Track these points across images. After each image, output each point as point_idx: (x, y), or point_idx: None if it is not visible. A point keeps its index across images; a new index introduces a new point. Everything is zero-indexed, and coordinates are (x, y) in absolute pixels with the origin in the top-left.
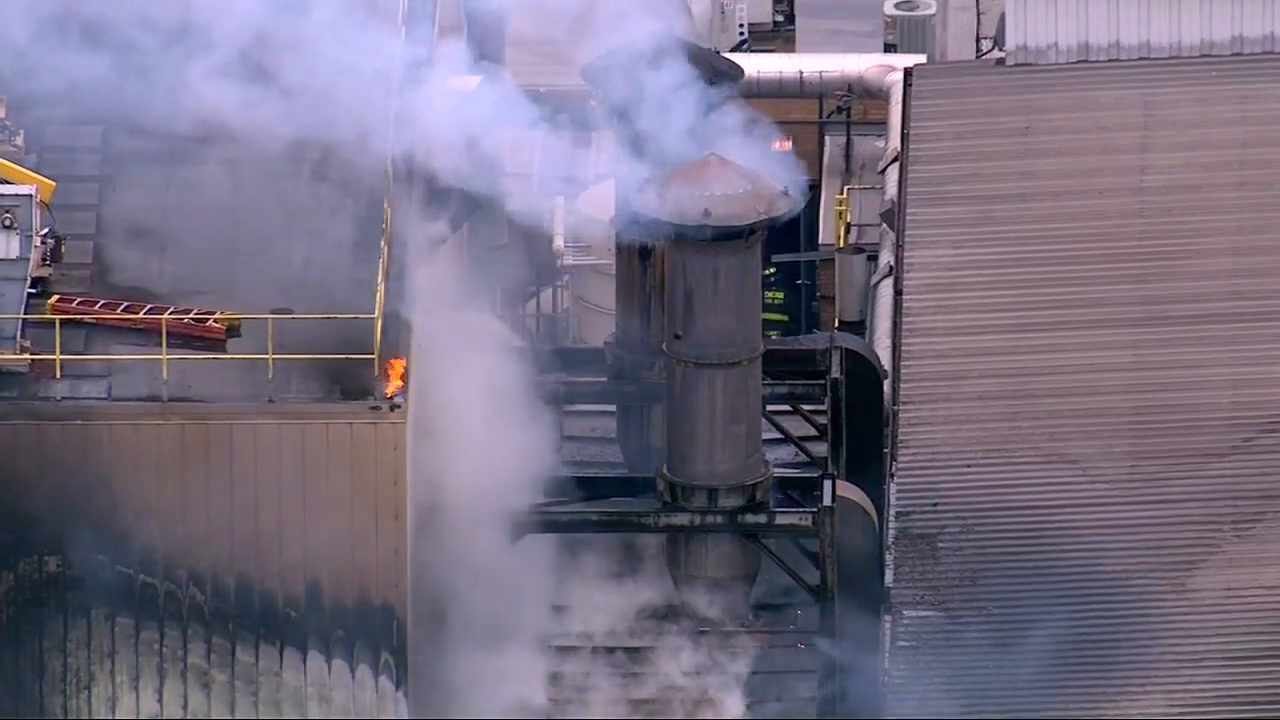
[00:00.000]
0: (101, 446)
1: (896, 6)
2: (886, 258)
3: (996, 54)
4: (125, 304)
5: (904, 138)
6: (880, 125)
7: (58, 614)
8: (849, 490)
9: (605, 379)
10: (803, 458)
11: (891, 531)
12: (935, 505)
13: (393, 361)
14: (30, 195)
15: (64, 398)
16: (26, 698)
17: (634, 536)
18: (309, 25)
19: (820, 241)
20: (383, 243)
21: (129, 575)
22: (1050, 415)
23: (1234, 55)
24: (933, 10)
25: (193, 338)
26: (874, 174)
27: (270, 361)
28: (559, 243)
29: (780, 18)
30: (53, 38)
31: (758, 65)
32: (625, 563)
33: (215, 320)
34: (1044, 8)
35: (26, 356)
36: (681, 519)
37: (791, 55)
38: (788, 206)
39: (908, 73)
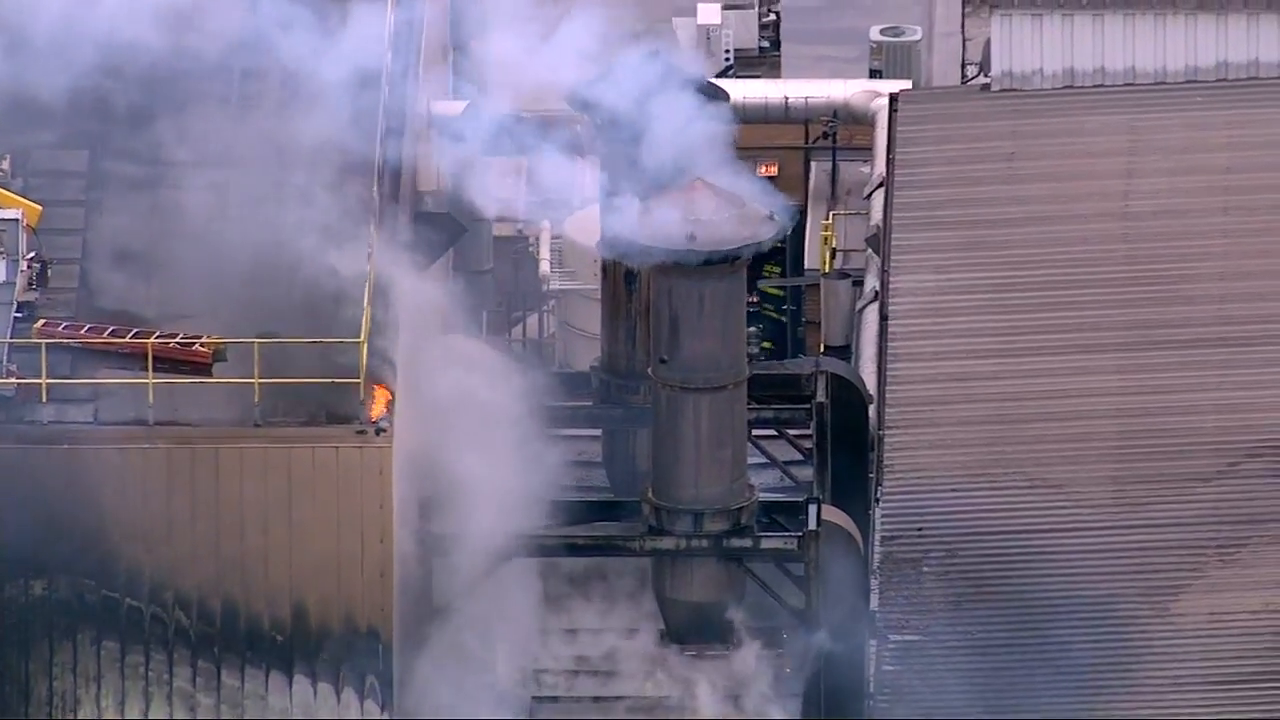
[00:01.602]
0: (88, 470)
1: (882, 32)
2: (872, 283)
3: (982, 80)
4: (111, 328)
5: (889, 163)
6: (866, 151)
7: (44, 637)
8: (834, 514)
9: (591, 403)
10: (788, 482)
11: (876, 555)
12: (920, 530)
13: (378, 387)
14: (16, 219)
15: (50, 421)
16: None
17: (620, 560)
18: (295, 47)
19: (806, 266)
20: (368, 266)
21: (115, 599)
22: (1036, 440)
23: (1219, 81)
24: (918, 36)
25: (179, 362)
26: (860, 199)
27: (256, 385)
28: (545, 267)
29: (766, 43)
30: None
31: (743, 90)
32: (610, 586)
33: (201, 344)
34: (1029, 34)
35: (13, 380)
36: (667, 543)
37: (777, 81)
38: (773, 231)
39: (893, 98)
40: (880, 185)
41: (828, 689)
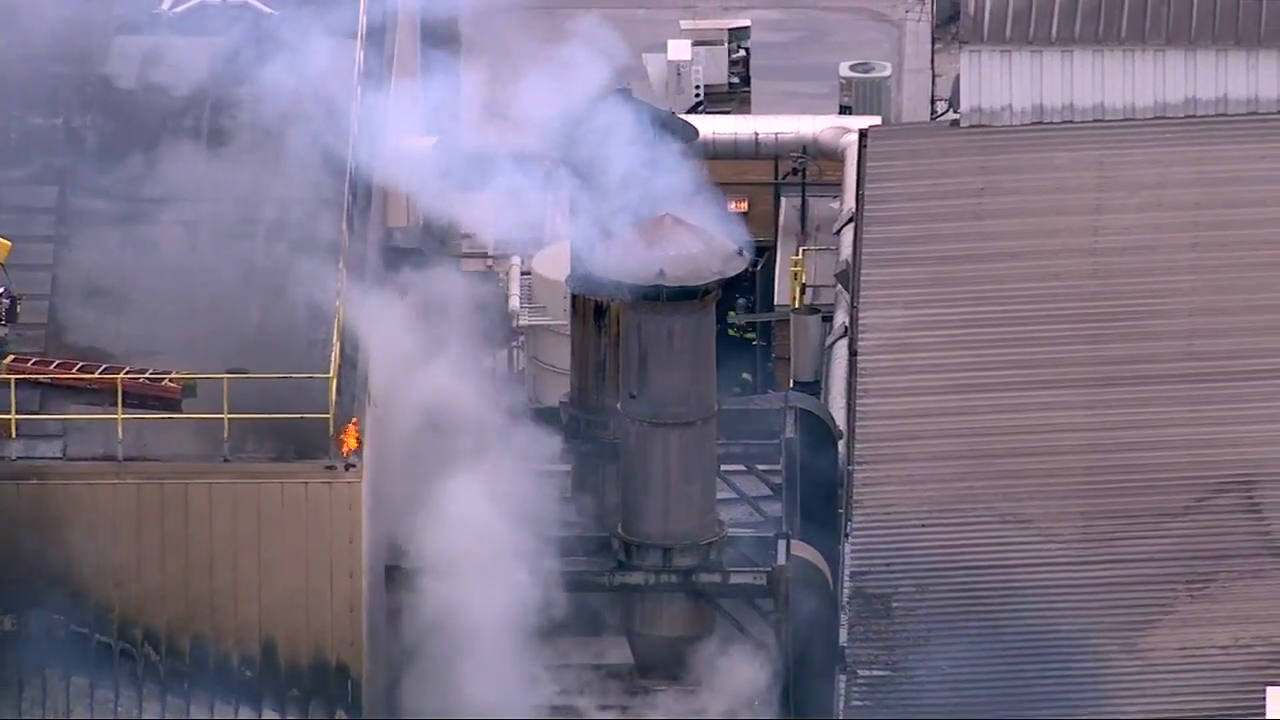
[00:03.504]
0: (57, 506)
1: (851, 68)
2: (841, 318)
3: (951, 115)
4: (81, 364)
5: (859, 199)
6: (836, 186)
7: (12, 673)
8: (803, 550)
9: (560, 438)
10: (757, 517)
11: (846, 591)
12: (890, 565)
13: (348, 423)
14: None
15: (19, 457)
16: None
17: (591, 596)
18: (266, 80)
19: (776, 302)
20: (338, 302)
21: (84, 635)
22: (1005, 475)
23: (1187, 117)
24: (888, 72)
25: (148, 397)
26: (829, 235)
27: (226, 421)
28: (514, 303)
29: (736, 79)
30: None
31: (713, 126)
32: (582, 622)
33: (171, 380)
34: (998, 70)
35: None
36: (636, 578)
37: (747, 116)
38: (742, 266)
39: (863, 134)
40: (850, 221)
41: None
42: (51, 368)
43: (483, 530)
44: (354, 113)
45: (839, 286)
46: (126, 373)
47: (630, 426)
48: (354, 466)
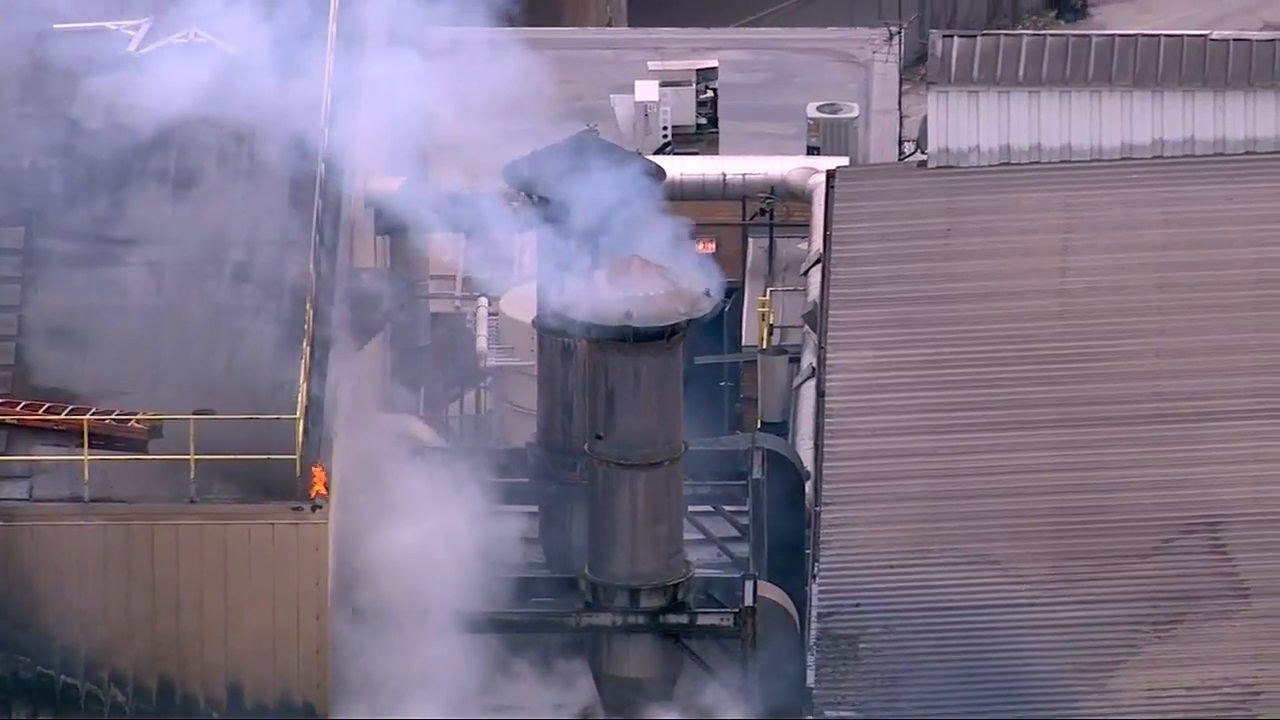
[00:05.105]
0: (23, 547)
1: (819, 109)
2: (809, 359)
3: (919, 156)
4: (47, 405)
5: (826, 239)
6: (803, 227)
7: None
8: (771, 591)
9: (527, 479)
10: (725, 558)
11: (813, 632)
12: (857, 606)
13: (314, 464)
14: None
15: None
16: None
17: (558, 637)
18: (233, 120)
19: (743, 343)
20: (305, 344)
21: (50, 676)
22: (972, 516)
23: (1155, 158)
24: (855, 113)
25: (115, 438)
26: (797, 276)
27: (192, 462)
28: (482, 344)
29: (703, 120)
30: None
31: (681, 167)
32: (550, 663)
33: (137, 421)
34: (965, 111)
35: None
36: (603, 619)
37: (714, 157)
38: (709, 307)
39: (830, 175)
40: (817, 261)
41: None
42: (18, 409)
43: (441, 573)
44: (321, 152)
45: (806, 327)
46: (93, 414)
47: (597, 467)
48: (320, 508)
